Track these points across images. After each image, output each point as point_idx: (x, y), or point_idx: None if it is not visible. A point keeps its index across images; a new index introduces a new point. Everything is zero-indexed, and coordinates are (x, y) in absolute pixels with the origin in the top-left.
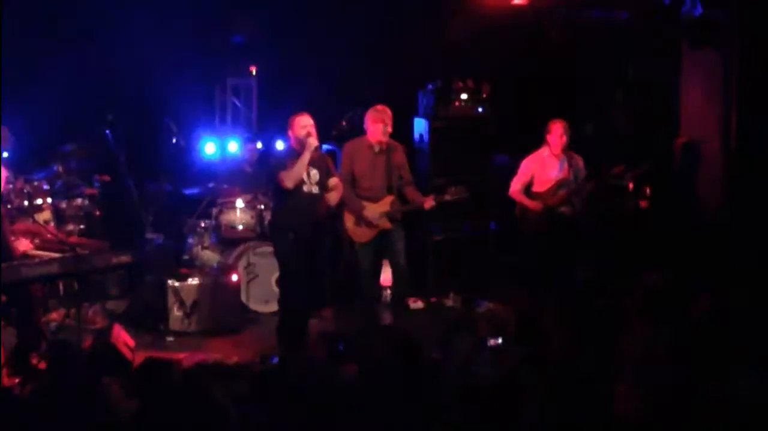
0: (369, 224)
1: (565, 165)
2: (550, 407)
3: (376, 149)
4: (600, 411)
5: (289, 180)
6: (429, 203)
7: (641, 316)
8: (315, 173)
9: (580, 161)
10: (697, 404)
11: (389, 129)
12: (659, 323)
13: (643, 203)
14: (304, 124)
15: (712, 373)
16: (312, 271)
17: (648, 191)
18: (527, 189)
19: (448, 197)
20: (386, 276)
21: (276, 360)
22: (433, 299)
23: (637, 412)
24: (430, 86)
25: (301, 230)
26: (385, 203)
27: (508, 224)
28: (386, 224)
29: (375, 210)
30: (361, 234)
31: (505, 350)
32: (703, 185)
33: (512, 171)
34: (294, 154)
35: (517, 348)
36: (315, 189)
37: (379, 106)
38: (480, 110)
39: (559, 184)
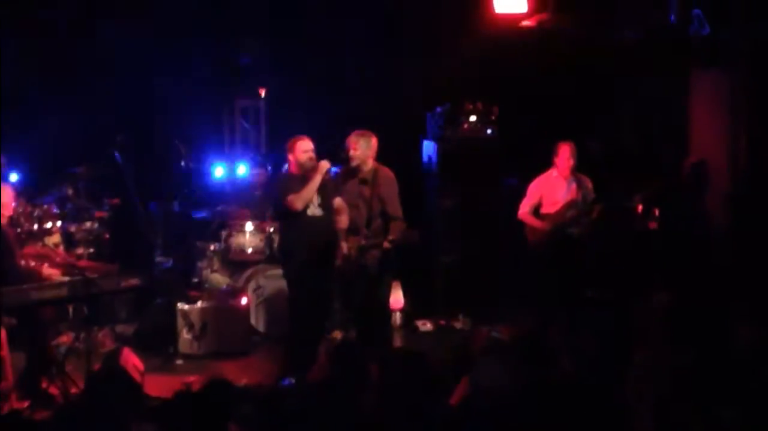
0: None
1: (573, 186)
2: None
3: (362, 178)
4: None
5: (298, 202)
6: (386, 243)
7: (651, 336)
8: (318, 197)
9: (588, 182)
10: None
11: (362, 155)
12: (669, 342)
13: (652, 225)
14: (305, 148)
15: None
16: (321, 294)
17: (656, 212)
18: (536, 211)
19: (391, 239)
20: (396, 298)
21: (288, 382)
22: (442, 322)
23: None
24: (438, 108)
25: (308, 253)
26: (360, 237)
27: (518, 246)
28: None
29: (352, 242)
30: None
31: (512, 372)
32: (712, 205)
33: (521, 193)
34: (295, 178)
35: (525, 370)
36: (318, 212)
37: (356, 131)
38: (489, 131)
39: (568, 206)
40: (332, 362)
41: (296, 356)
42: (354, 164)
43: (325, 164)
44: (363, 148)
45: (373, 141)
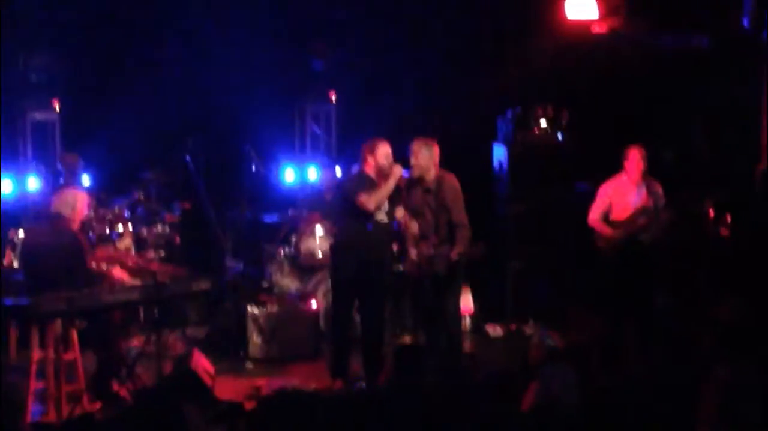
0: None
1: (644, 192)
2: None
3: (426, 187)
4: None
5: (371, 202)
6: (454, 255)
7: (719, 347)
8: (387, 203)
9: (659, 188)
10: None
11: (423, 164)
12: (737, 353)
13: (724, 231)
14: (387, 153)
15: None
16: (375, 298)
17: (728, 218)
18: (606, 216)
19: (459, 252)
20: (466, 303)
21: (360, 385)
22: (513, 327)
23: None
24: (509, 113)
25: (364, 255)
26: (428, 244)
27: (588, 252)
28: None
29: (423, 248)
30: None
31: (585, 378)
32: None
33: (591, 198)
34: (369, 179)
35: (599, 377)
36: (384, 218)
37: (418, 139)
38: (559, 136)
39: (639, 212)
40: (395, 366)
41: (334, 359)
42: (415, 173)
43: (399, 170)
44: (425, 156)
45: (435, 149)
